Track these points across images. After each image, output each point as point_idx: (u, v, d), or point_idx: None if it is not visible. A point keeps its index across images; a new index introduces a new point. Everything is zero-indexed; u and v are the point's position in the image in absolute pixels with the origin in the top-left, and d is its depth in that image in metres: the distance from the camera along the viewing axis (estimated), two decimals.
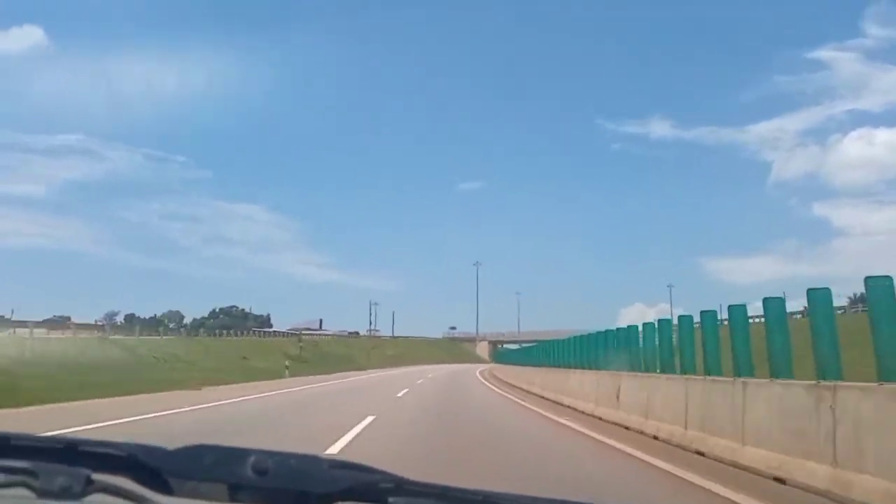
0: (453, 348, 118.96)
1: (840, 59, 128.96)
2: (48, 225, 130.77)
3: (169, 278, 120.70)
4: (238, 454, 0.89)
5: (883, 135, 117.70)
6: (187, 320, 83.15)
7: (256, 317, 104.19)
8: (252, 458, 0.88)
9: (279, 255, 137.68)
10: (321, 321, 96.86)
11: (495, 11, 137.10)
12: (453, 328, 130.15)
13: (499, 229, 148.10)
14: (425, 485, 0.92)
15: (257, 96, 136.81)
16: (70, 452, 0.91)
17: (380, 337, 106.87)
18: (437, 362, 79.56)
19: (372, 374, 42.39)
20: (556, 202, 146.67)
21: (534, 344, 37.07)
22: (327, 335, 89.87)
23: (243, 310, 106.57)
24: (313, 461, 0.92)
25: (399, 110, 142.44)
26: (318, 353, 59.00)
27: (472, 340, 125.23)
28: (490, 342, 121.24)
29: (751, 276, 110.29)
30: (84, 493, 0.86)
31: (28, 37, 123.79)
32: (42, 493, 0.86)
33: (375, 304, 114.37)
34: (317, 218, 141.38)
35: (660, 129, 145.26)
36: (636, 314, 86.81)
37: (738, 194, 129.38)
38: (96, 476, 0.88)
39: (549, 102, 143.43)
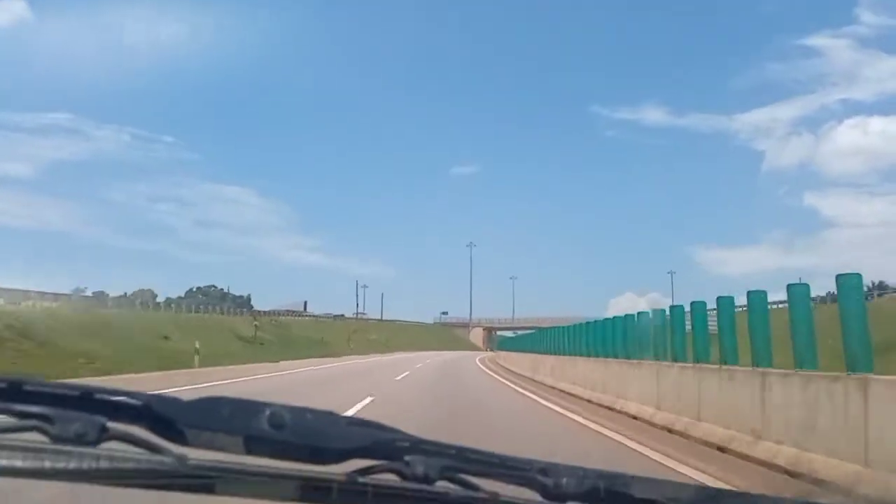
0: (445, 334, 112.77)
1: (834, 47, 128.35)
2: (32, 204, 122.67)
3: (156, 259, 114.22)
4: (255, 407, 0.87)
5: (876, 124, 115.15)
6: (160, 299, 75.36)
7: (236, 297, 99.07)
8: (269, 412, 0.86)
9: (269, 238, 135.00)
10: (305, 303, 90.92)
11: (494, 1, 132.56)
12: (445, 313, 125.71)
13: (492, 215, 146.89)
14: (442, 444, 0.91)
15: (249, 77, 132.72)
16: (85, 400, 0.88)
17: (366, 320, 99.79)
18: (427, 349, 71.10)
19: (341, 364, 32.02)
20: (550, 188, 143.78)
21: (532, 331, 32.68)
22: (309, 317, 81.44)
23: (222, 290, 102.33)
24: (330, 417, 0.90)
25: (392, 94, 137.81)
26: (283, 335, 48.60)
27: (465, 326, 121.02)
28: (485, 328, 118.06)
29: (742, 266, 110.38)
30: (99, 441, 0.85)
31: (9, 10, 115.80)
32: (56, 439, 0.84)
33: (364, 286, 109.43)
34: (307, 202, 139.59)
35: (653, 115, 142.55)
36: (627, 303, 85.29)
37: (730, 183, 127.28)
38: (111, 424, 0.86)
39: (543, 87, 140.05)
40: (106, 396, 0.89)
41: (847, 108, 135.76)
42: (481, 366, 32.56)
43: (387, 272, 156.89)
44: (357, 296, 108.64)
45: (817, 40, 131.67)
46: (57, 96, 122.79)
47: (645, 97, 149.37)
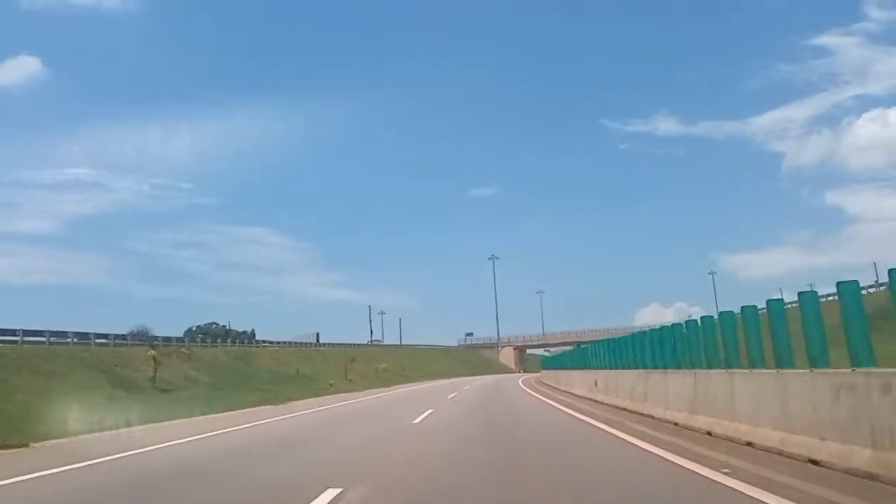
0: (472, 357, 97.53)
1: (843, 45, 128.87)
2: (56, 259, 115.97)
3: (178, 304, 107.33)
4: None
5: (895, 116, 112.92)
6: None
7: (239, 333, 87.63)
8: None
9: (289, 274, 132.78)
10: (318, 335, 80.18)
11: (500, 20, 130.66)
12: (470, 334, 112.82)
13: (509, 234, 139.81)
14: None
15: (267, 118, 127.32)
16: None
17: (382, 346, 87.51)
18: (452, 375, 55.35)
19: (252, 427, 16.07)
20: (566, 204, 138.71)
21: (569, 347, 31.39)
22: (296, 346, 66.98)
23: (224, 326, 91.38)
24: None
25: (407, 120, 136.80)
26: (232, 370, 32.86)
27: (492, 347, 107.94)
28: (516, 348, 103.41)
29: (767, 269, 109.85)
30: None
31: (24, 68, 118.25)
32: None
33: (382, 312, 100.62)
34: (326, 236, 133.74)
35: (665, 126, 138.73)
36: (652, 314, 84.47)
37: (750, 187, 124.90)
38: None
39: (554, 105, 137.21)
40: None
41: (863, 104, 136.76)
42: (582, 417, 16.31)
43: (407, 300, 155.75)
44: (370, 321, 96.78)
45: (827, 39, 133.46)
46: (75, 152, 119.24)
47: (655, 108, 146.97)
